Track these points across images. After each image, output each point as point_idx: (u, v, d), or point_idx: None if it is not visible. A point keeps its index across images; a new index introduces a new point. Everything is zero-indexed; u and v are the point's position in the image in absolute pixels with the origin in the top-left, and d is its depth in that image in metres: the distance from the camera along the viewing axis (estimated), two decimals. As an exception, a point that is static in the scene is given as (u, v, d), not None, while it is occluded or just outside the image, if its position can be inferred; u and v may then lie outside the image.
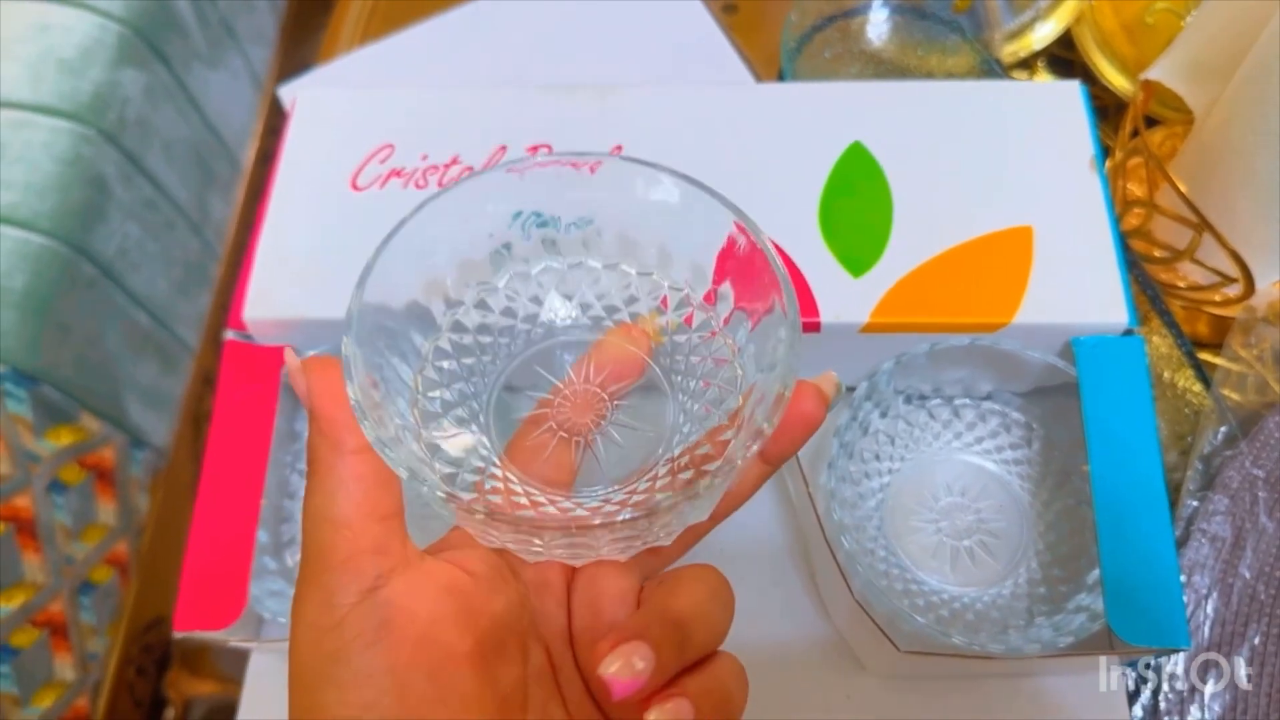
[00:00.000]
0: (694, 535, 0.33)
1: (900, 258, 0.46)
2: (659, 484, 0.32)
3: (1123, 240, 0.47)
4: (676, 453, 0.33)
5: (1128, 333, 0.44)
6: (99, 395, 0.78)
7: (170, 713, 0.76)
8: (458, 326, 0.34)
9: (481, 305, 0.34)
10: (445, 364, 0.33)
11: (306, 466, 0.29)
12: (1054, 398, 0.48)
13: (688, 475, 0.32)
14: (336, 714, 0.26)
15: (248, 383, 0.45)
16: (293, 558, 0.47)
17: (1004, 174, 0.47)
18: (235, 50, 1.02)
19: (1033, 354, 0.45)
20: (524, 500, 0.32)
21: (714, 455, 0.32)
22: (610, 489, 0.33)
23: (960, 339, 0.45)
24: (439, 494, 0.27)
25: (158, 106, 0.88)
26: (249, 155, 1.01)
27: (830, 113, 0.49)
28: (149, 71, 0.87)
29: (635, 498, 0.32)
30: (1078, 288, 0.45)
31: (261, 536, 0.44)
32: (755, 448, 0.28)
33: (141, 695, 0.78)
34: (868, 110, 0.49)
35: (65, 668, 0.73)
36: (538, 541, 0.28)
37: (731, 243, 0.32)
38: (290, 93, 0.53)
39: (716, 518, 0.33)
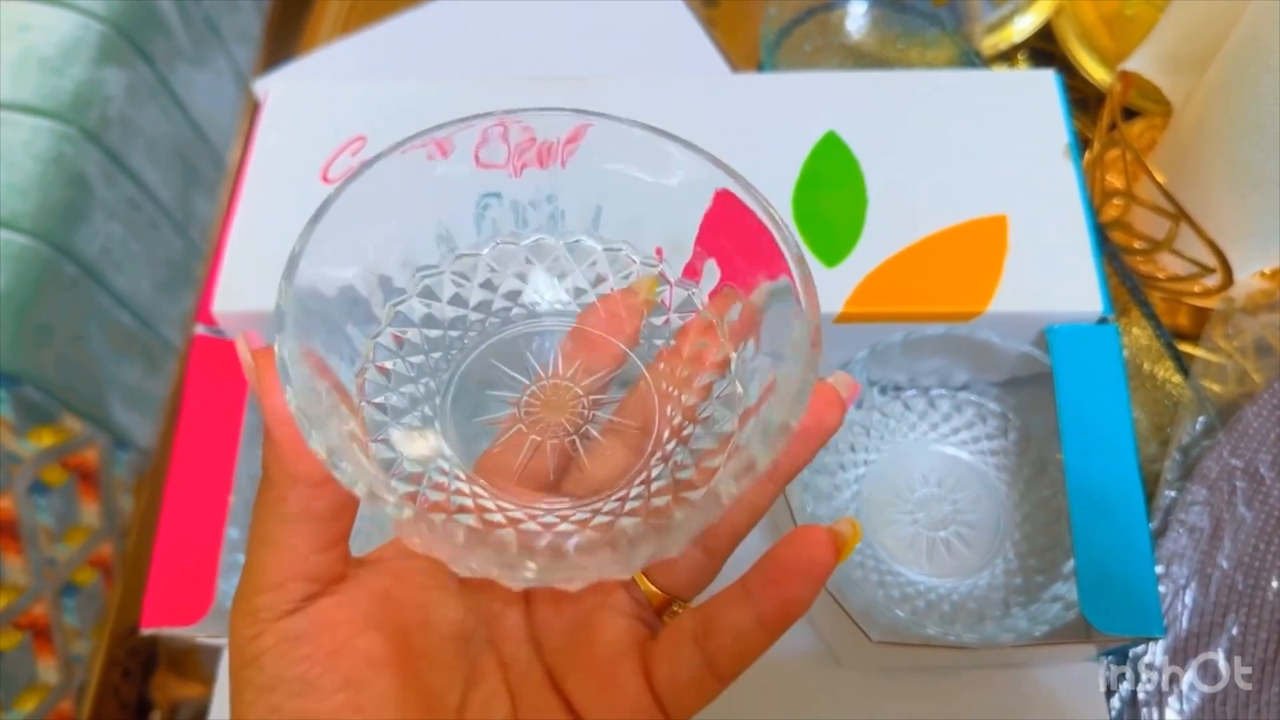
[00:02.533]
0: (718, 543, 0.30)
1: (874, 247, 0.45)
2: (629, 504, 0.29)
3: (1099, 230, 0.46)
4: (668, 449, 0.30)
5: (1102, 321, 0.44)
6: (81, 396, 0.77)
7: (156, 716, 0.75)
8: (400, 319, 0.31)
9: (426, 294, 0.32)
10: (390, 364, 0.30)
11: (261, 472, 0.27)
12: (1030, 388, 0.48)
13: (663, 500, 0.29)
14: (248, 715, 0.26)
15: (217, 378, 0.44)
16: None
17: (978, 163, 0.47)
18: (220, 49, 1.02)
19: (1007, 343, 0.44)
20: (499, 519, 0.29)
21: (695, 483, 0.28)
22: (592, 500, 0.30)
23: (935, 328, 0.44)
24: (403, 514, 0.24)
25: (140, 105, 0.88)
26: (233, 154, 1.01)
27: (804, 102, 0.49)
28: (131, 70, 0.87)
29: (599, 518, 0.29)
30: (1052, 277, 0.44)
31: (233, 533, 0.44)
32: (744, 484, 0.25)
33: (127, 698, 0.78)
34: (842, 100, 0.49)
35: (48, 671, 0.73)
36: (530, 567, 0.25)
37: (719, 206, 0.29)
38: (265, 86, 0.53)
39: (720, 553, 0.30)
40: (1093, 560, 0.40)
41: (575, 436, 0.31)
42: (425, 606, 0.29)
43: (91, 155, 0.81)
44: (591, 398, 0.32)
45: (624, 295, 0.32)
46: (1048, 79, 0.49)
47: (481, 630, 0.30)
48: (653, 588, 0.30)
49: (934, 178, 0.47)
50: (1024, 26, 0.64)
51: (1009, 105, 0.49)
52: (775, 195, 0.47)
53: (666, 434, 0.31)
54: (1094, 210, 0.56)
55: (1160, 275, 0.56)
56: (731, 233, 0.30)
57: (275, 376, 0.25)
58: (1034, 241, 0.45)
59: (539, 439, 0.31)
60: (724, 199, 0.30)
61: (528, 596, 0.31)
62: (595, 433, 0.31)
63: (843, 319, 0.44)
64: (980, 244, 0.45)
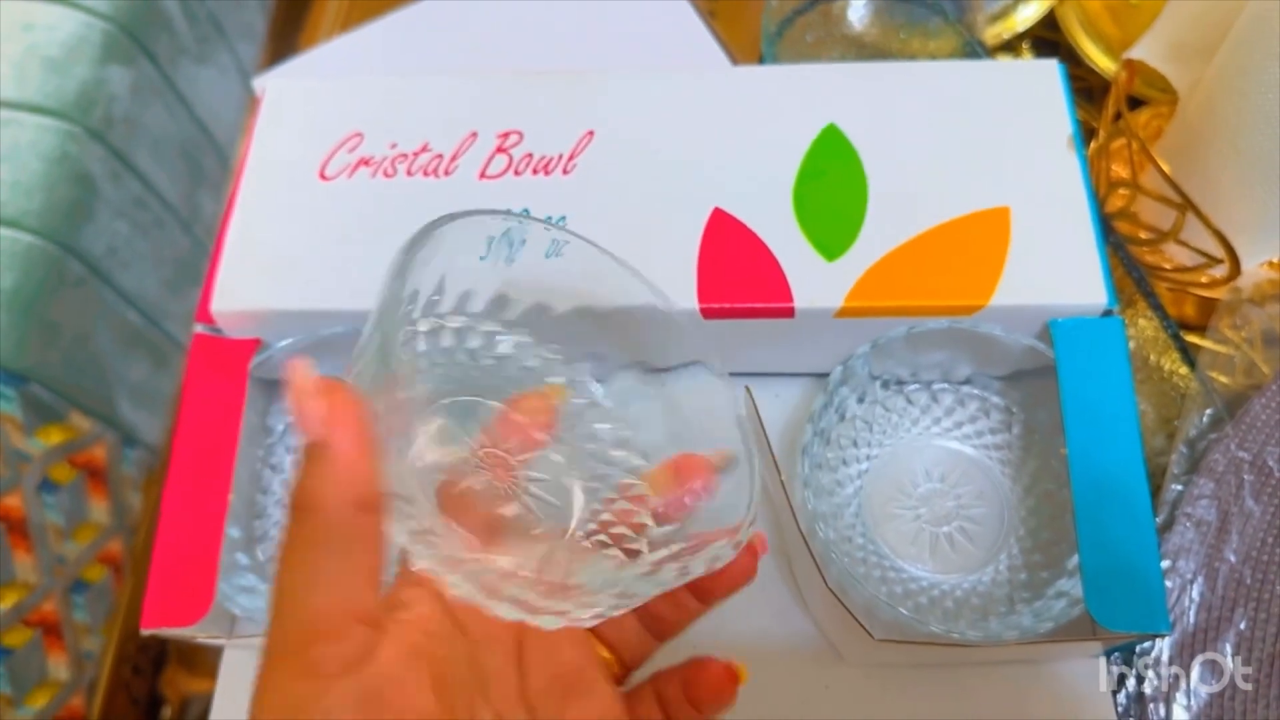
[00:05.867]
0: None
1: (875, 241, 0.45)
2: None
3: (1103, 221, 0.46)
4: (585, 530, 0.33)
5: (1107, 314, 0.44)
6: (89, 393, 0.78)
7: (167, 711, 0.76)
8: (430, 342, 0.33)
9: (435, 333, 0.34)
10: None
11: (293, 512, 0.25)
12: (1034, 381, 0.47)
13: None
14: None
15: (216, 377, 0.44)
16: (265, 553, 0.46)
17: (981, 155, 0.47)
18: (224, 46, 1.02)
19: (1011, 337, 0.44)
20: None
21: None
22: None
23: (937, 323, 0.44)
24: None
25: (145, 104, 0.88)
26: (239, 151, 1.01)
27: (804, 95, 0.49)
28: (136, 68, 0.87)
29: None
30: (1056, 269, 0.44)
31: (233, 532, 0.44)
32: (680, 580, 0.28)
33: (138, 693, 0.78)
34: (842, 92, 0.49)
35: (59, 667, 0.73)
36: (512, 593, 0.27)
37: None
38: (263, 84, 0.53)
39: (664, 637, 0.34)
40: (1098, 556, 0.40)
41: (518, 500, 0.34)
42: (446, 659, 0.28)
43: (96, 154, 0.81)
44: (525, 472, 0.34)
45: (538, 397, 0.35)
46: (1051, 68, 0.49)
47: (481, 685, 0.30)
48: (609, 655, 0.34)
49: (935, 170, 0.46)
50: (1028, 15, 0.64)
51: (1011, 96, 0.48)
52: (775, 189, 0.46)
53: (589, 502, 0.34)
54: (1099, 201, 0.55)
55: (1166, 266, 0.55)
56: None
57: (344, 402, 0.25)
58: (1037, 233, 0.44)
59: (500, 490, 0.33)
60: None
61: (521, 657, 0.31)
62: (529, 501, 0.34)
63: (843, 314, 0.44)
64: (982, 236, 0.44)
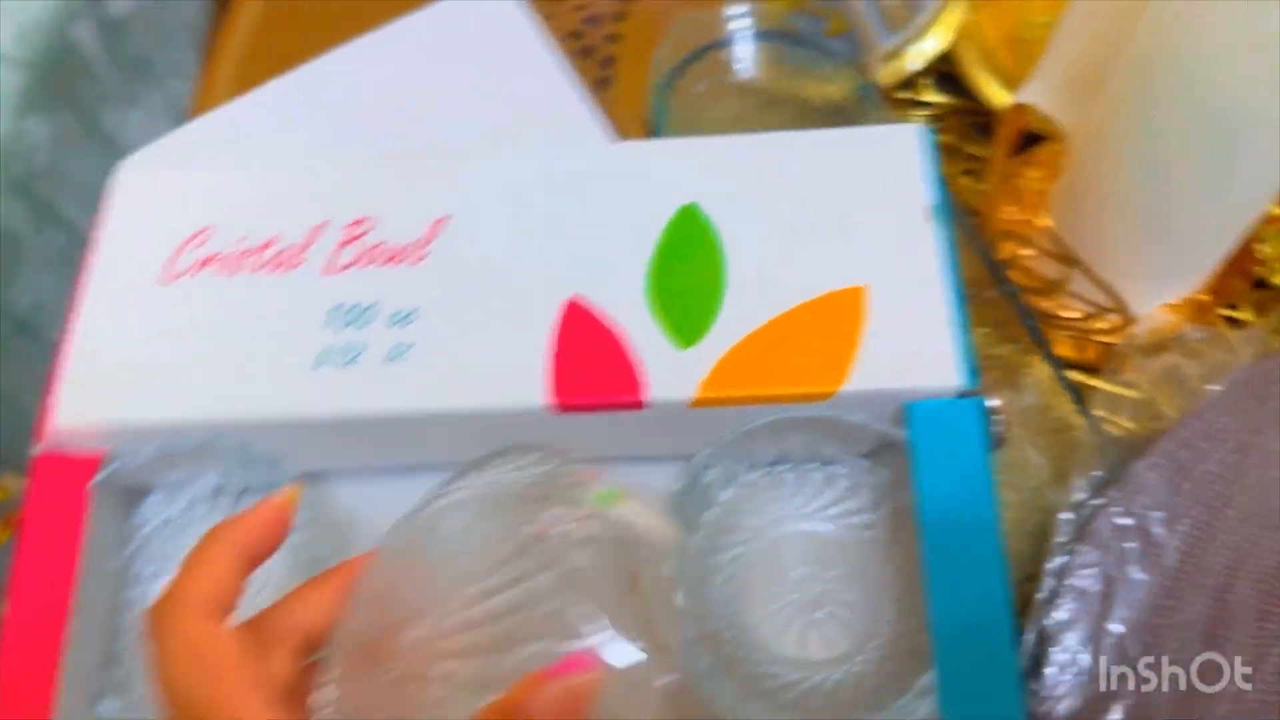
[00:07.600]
0: None
1: (730, 326, 0.43)
2: None
3: (964, 294, 0.44)
4: None
5: (964, 395, 0.42)
6: (21, 453, 0.77)
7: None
8: None
9: None
10: None
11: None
12: (901, 458, 0.46)
13: None
14: None
15: (58, 498, 0.43)
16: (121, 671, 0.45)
17: (839, 231, 0.45)
18: (154, 86, 1.01)
19: (868, 423, 0.43)
20: None
21: None
22: None
23: (795, 410, 0.43)
24: None
25: (70, 152, 0.87)
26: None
27: (665, 173, 0.47)
28: (56, 117, 0.86)
29: None
30: (911, 349, 0.42)
31: (87, 657, 0.43)
32: None
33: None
34: (702, 169, 0.47)
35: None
36: None
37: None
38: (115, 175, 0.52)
39: None
40: (953, 663, 0.39)
41: None
42: None
43: (18, 210, 0.81)
44: None
45: None
46: (910, 134, 0.47)
47: None
48: None
49: (793, 249, 0.45)
50: (925, 50, 0.61)
51: (871, 165, 0.46)
52: (629, 274, 0.45)
53: None
54: (991, 256, 0.53)
55: (1062, 314, 0.54)
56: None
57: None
58: (893, 313, 0.43)
59: None
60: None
61: None
62: None
63: (697, 404, 0.42)
64: (837, 318, 0.43)
